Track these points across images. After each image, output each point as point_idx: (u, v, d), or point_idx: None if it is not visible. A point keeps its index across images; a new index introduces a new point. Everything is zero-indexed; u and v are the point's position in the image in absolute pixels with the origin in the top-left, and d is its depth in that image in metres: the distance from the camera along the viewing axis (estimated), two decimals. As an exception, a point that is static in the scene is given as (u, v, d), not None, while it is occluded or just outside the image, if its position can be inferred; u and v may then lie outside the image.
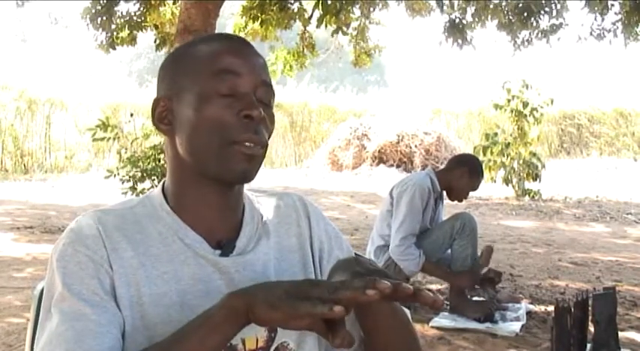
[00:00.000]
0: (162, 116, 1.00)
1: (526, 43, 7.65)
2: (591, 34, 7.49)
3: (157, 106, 1.01)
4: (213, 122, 0.94)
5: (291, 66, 8.04)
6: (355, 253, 1.16)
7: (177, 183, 1.00)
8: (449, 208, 4.42)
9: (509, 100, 9.64)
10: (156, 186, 1.10)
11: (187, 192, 0.99)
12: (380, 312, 0.96)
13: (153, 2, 7.13)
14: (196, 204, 0.99)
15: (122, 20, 7.17)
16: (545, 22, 7.41)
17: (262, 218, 1.06)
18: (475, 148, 9.88)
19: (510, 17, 7.36)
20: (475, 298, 3.76)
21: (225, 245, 0.99)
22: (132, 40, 7.35)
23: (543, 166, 9.59)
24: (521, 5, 7.26)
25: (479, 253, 3.83)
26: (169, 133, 0.99)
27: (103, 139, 6.62)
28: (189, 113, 0.96)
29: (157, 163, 6.20)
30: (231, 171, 0.95)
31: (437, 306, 0.77)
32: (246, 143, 0.94)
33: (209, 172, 0.96)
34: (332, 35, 8.04)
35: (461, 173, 3.72)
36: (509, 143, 9.50)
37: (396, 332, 0.99)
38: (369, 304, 0.93)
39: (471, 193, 3.90)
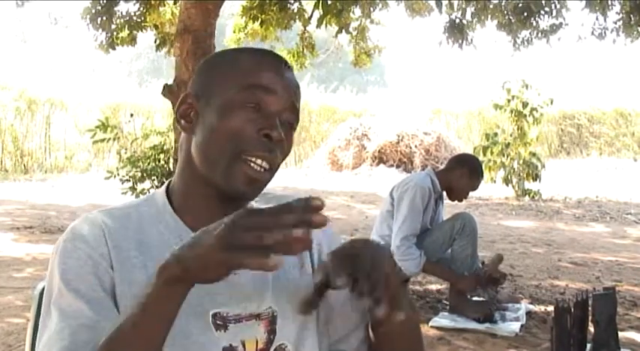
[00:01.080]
0: (186, 113, 1.01)
1: (526, 43, 7.64)
2: (592, 33, 7.49)
3: (183, 102, 1.01)
4: (231, 132, 0.94)
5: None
6: None
7: (185, 183, 1.01)
8: (449, 208, 4.42)
9: (509, 100, 9.64)
10: (156, 186, 1.11)
11: (192, 194, 1.00)
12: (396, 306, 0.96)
13: (153, 2, 7.12)
14: (199, 207, 1.00)
15: (122, 20, 7.16)
16: (545, 22, 7.41)
17: None
18: (475, 148, 9.88)
19: (510, 17, 7.36)
20: (475, 299, 3.76)
21: None
22: (132, 40, 7.34)
23: (543, 166, 9.59)
24: (520, 5, 7.25)
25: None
26: (188, 131, 1.00)
27: (103, 140, 6.62)
28: (212, 118, 0.96)
29: (157, 163, 6.20)
30: (232, 188, 0.96)
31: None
32: (258, 160, 0.94)
33: (213, 181, 0.97)
34: (335, 36, 8.02)
35: (461, 173, 3.72)
36: (509, 143, 9.50)
37: (402, 337, 0.99)
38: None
39: (470, 193, 3.91)
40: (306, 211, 0.70)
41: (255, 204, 1.08)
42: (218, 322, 0.95)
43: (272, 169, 0.97)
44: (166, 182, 1.06)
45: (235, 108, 0.95)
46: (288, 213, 0.70)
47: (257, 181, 0.96)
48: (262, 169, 0.95)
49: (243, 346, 0.96)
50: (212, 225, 0.75)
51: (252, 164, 0.94)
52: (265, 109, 0.96)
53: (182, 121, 1.01)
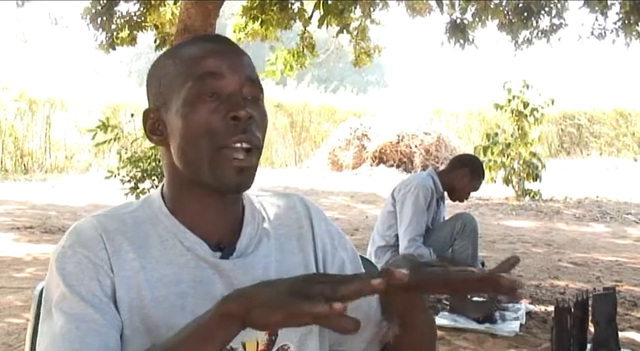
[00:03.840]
0: (154, 127, 1.00)
1: (526, 43, 7.64)
2: (592, 33, 7.49)
3: (147, 118, 1.01)
4: (201, 128, 0.93)
5: (291, 66, 8.02)
6: (361, 256, 1.16)
7: (175, 189, 1.01)
8: (449, 208, 4.42)
9: (509, 100, 9.64)
10: (156, 186, 1.10)
11: (185, 197, 0.99)
12: (417, 307, 0.99)
13: (153, 2, 7.12)
14: (194, 208, 0.99)
15: (122, 20, 7.16)
16: (545, 22, 7.41)
17: (263, 219, 1.05)
18: (475, 148, 9.88)
19: (510, 17, 7.36)
20: (475, 299, 3.76)
21: (225, 247, 0.99)
22: (132, 40, 7.34)
23: (543, 167, 9.58)
24: (521, 5, 7.25)
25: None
26: (163, 143, 0.99)
27: (104, 142, 6.63)
28: (177, 122, 0.95)
29: (157, 163, 6.19)
30: (224, 184, 0.94)
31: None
32: (237, 145, 0.93)
33: (203, 182, 0.95)
34: (335, 36, 8.02)
35: (462, 174, 3.72)
36: (509, 143, 9.50)
37: (427, 327, 1.03)
38: (407, 298, 0.96)
39: (471, 194, 3.91)
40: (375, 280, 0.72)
41: (256, 203, 1.07)
42: None
43: (255, 149, 0.95)
44: (160, 185, 1.05)
45: (194, 104, 0.94)
46: (359, 279, 0.72)
47: (245, 168, 0.94)
48: (245, 154, 0.94)
49: (244, 347, 0.95)
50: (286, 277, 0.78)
51: (234, 153, 0.93)
52: (222, 93, 0.94)
53: (154, 137, 1.00)
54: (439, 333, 3.34)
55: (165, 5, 7.39)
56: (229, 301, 0.77)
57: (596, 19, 7.41)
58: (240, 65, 0.97)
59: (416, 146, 13.22)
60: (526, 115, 9.57)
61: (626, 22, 7.21)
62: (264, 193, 1.11)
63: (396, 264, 0.93)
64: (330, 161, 13.79)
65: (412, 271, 0.92)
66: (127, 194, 6.10)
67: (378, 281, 0.71)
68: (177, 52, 0.99)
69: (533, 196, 9.63)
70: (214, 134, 0.93)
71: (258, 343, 0.96)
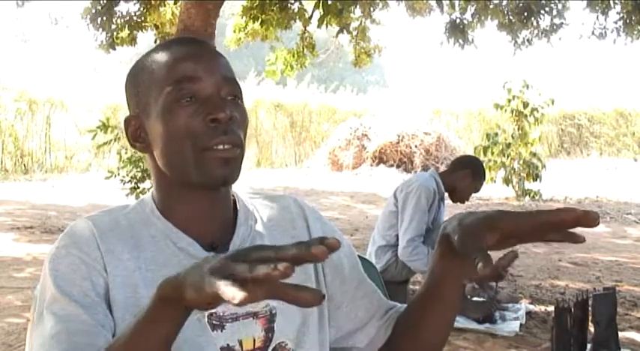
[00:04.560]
0: (136, 134, 1.00)
1: (526, 43, 7.64)
2: (593, 33, 7.48)
3: (128, 125, 1.01)
4: (181, 132, 0.94)
5: (291, 66, 8.02)
6: (360, 256, 1.16)
7: (163, 192, 1.01)
8: (449, 208, 4.43)
9: (509, 100, 9.63)
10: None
11: (174, 199, 1.00)
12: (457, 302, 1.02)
13: (153, 2, 7.12)
14: (184, 209, 0.99)
15: (122, 20, 7.15)
16: (545, 21, 7.41)
17: (256, 220, 1.06)
18: (475, 148, 9.87)
19: (510, 17, 7.36)
20: (475, 299, 3.76)
21: (218, 247, 0.99)
22: (132, 40, 7.34)
23: (543, 167, 9.58)
24: (521, 5, 7.25)
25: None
26: (146, 149, 1.00)
27: (104, 144, 6.64)
28: (158, 127, 0.96)
29: (157, 163, 6.20)
30: (211, 178, 0.94)
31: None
32: (219, 147, 0.93)
33: (191, 182, 0.96)
34: (335, 36, 8.02)
35: (464, 175, 3.72)
36: (509, 143, 9.49)
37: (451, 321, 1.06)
38: (453, 295, 0.98)
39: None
40: (309, 249, 0.65)
41: (249, 204, 1.07)
42: (214, 321, 0.95)
43: (238, 146, 0.95)
44: (152, 188, 1.06)
45: (172, 109, 0.94)
46: (290, 249, 0.65)
47: (230, 159, 0.94)
48: (229, 147, 0.94)
49: (240, 345, 0.95)
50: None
51: (217, 154, 0.93)
52: (200, 96, 0.94)
53: (137, 144, 1.01)
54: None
55: (165, 5, 7.39)
56: (164, 284, 0.74)
57: (597, 19, 7.41)
58: (217, 67, 0.97)
59: (416, 146, 13.22)
60: (526, 115, 9.56)
61: (628, 21, 7.21)
62: (257, 196, 1.11)
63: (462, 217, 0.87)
64: (330, 161, 13.79)
65: (495, 216, 0.90)
66: (127, 195, 6.10)
67: (283, 267, 0.61)
68: (153, 58, 0.99)
69: (534, 196, 9.63)
70: (195, 137, 0.93)
71: (254, 340, 0.96)
